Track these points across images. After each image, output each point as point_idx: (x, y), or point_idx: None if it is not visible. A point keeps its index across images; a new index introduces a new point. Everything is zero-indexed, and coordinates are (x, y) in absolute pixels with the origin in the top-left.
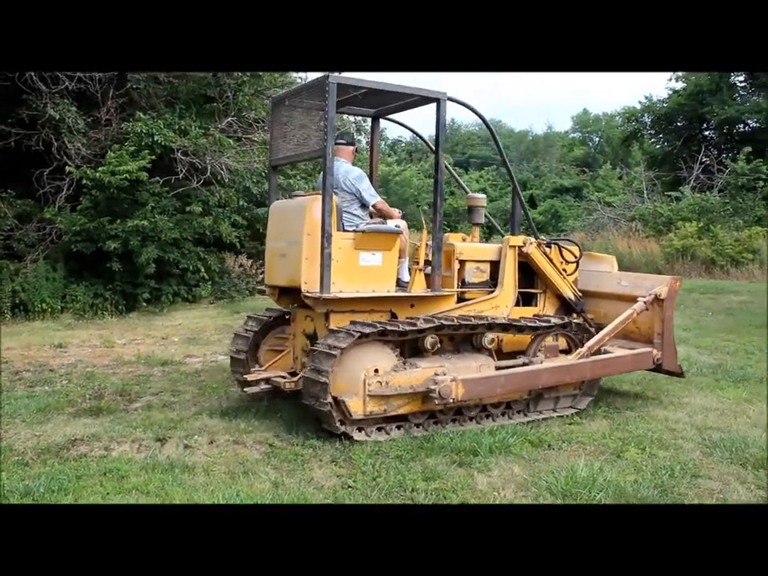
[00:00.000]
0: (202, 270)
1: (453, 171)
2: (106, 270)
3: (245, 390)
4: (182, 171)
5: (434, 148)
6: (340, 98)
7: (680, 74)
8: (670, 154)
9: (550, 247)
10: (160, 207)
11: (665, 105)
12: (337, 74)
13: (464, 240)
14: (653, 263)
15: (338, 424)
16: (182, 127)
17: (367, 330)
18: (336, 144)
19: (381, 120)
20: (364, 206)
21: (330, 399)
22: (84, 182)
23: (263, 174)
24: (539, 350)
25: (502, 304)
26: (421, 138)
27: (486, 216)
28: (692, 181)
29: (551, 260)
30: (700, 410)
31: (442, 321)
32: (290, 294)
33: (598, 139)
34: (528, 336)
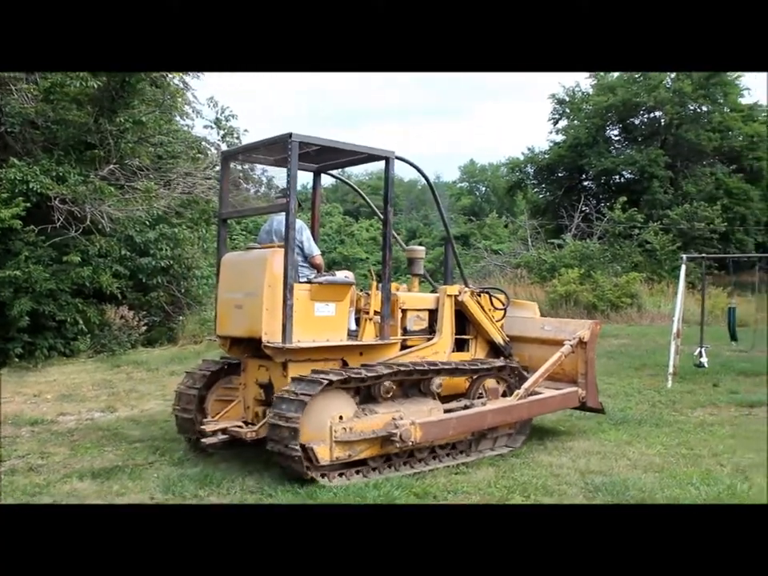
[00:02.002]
0: (81, 322)
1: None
2: None
3: (202, 441)
4: (59, 219)
5: (369, 203)
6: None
7: (559, 126)
8: (552, 203)
9: (480, 295)
10: (35, 257)
11: (546, 156)
12: (297, 132)
13: (397, 289)
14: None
15: (305, 470)
16: (60, 174)
17: (334, 378)
18: (278, 197)
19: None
20: (305, 257)
21: (299, 445)
22: None
23: (146, 222)
24: (479, 393)
25: (441, 350)
26: (361, 194)
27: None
28: (573, 228)
29: (482, 307)
30: (583, 453)
31: (399, 367)
32: (242, 344)
33: (484, 189)
34: (463, 379)
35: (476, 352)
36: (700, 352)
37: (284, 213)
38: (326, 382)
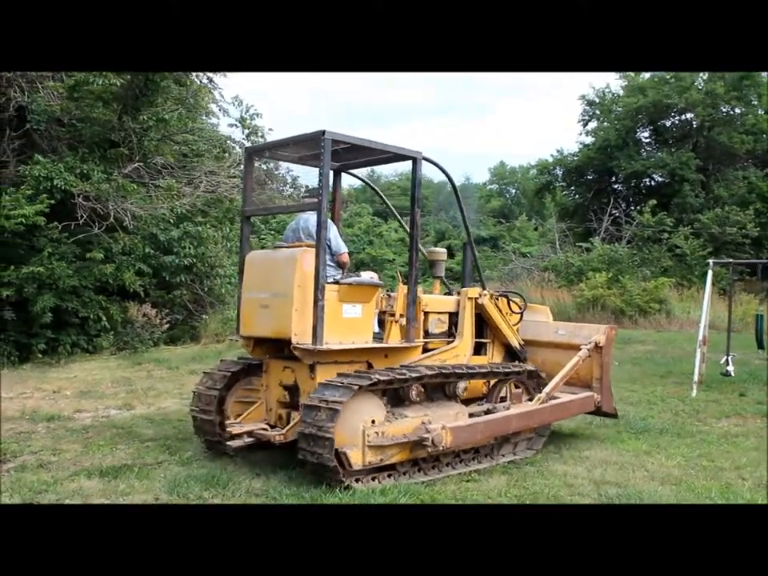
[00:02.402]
0: (104, 319)
1: (403, 224)
2: None
3: (228, 443)
4: (82, 217)
5: (387, 202)
6: (317, 152)
7: (589, 128)
8: (581, 205)
9: (498, 299)
10: (58, 254)
11: (575, 158)
12: (331, 130)
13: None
14: (565, 312)
15: (340, 476)
16: (84, 171)
17: (366, 383)
18: (305, 197)
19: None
20: (332, 255)
21: (333, 454)
22: None
23: (170, 221)
24: (502, 397)
25: (462, 353)
26: (379, 194)
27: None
28: (601, 232)
29: (500, 311)
30: (599, 463)
31: (427, 370)
32: (266, 344)
33: (514, 191)
34: (481, 383)
35: (493, 355)
36: (727, 360)
37: (312, 211)
38: (356, 387)
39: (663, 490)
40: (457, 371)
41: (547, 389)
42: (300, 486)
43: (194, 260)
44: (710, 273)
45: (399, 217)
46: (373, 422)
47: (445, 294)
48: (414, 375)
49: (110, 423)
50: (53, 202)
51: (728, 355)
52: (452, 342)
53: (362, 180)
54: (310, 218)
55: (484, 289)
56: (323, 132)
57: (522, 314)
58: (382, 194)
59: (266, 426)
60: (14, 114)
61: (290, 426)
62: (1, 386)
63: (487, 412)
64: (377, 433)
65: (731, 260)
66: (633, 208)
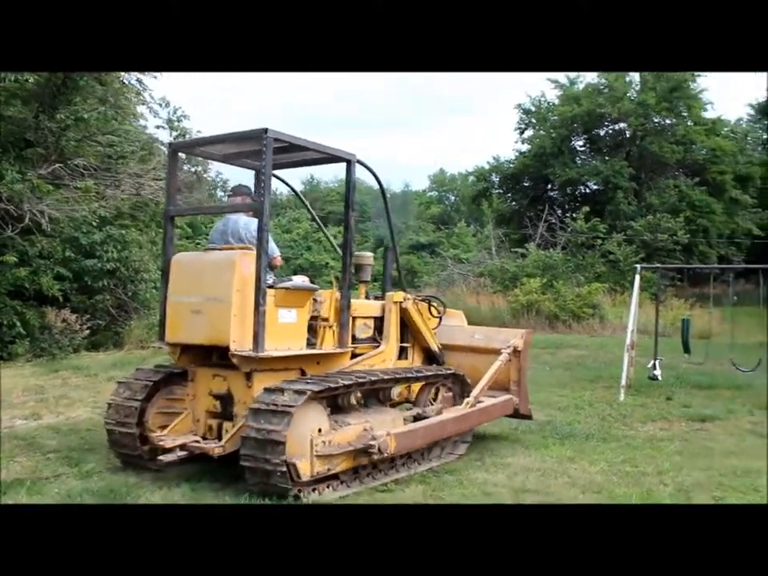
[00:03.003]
0: (18, 325)
1: (322, 227)
2: None
3: (160, 457)
4: None
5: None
6: (252, 149)
7: (525, 135)
8: (518, 212)
9: (419, 303)
10: None
11: (512, 165)
12: (272, 128)
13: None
14: (500, 317)
15: (290, 485)
16: None
17: (317, 388)
18: (229, 195)
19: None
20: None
21: (284, 460)
22: None
23: (93, 223)
24: (430, 402)
25: (388, 357)
26: (299, 197)
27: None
28: (537, 238)
29: (421, 315)
30: (521, 470)
31: (370, 376)
32: (192, 351)
33: (453, 198)
34: (402, 387)
35: (413, 359)
36: (654, 364)
37: (238, 213)
38: (308, 392)
39: (584, 498)
40: (399, 376)
41: (475, 392)
42: (204, 500)
43: (118, 264)
44: (637, 277)
45: (317, 218)
46: (320, 430)
47: (368, 299)
48: (358, 381)
49: (13, 434)
50: None
51: (656, 359)
52: (377, 346)
53: (282, 181)
54: (239, 219)
55: (403, 292)
56: (265, 130)
57: (440, 318)
58: (302, 196)
59: (199, 438)
60: None
61: (228, 436)
62: None
63: (416, 417)
64: (324, 442)
65: (658, 265)
66: (568, 215)
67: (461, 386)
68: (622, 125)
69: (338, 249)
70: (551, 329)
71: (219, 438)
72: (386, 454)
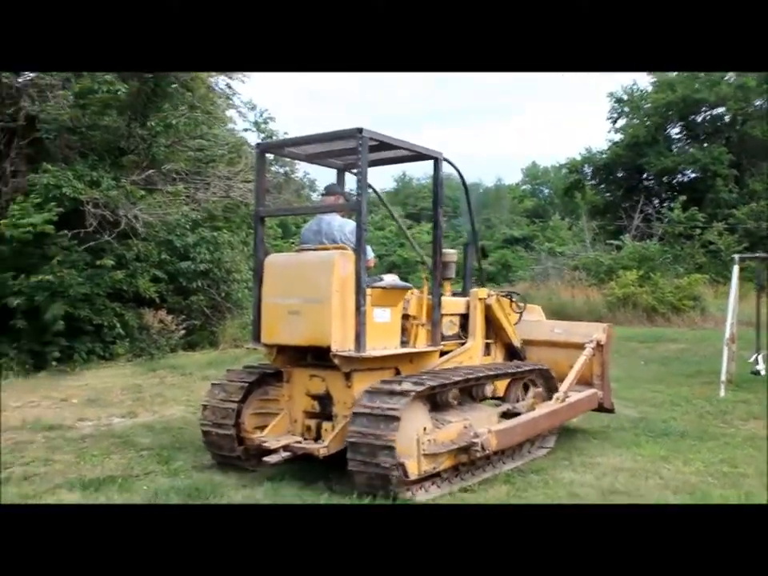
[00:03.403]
0: (118, 326)
1: (403, 227)
2: (11, 327)
3: (265, 459)
4: (92, 224)
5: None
6: (339, 148)
7: (618, 125)
8: (612, 203)
9: (501, 300)
10: (69, 261)
11: (604, 156)
12: (367, 128)
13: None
14: (595, 311)
15: (400, 487)
16: (94, 179)
17: (420, 388)
18: (322, 195)
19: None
20: None
21: (394, 464)
22: None
23: (186, 226)
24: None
25: (474, 354)
26: (380, 197)
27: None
28: (632, 229)
29: (504, 311)
30: (611, 470)
31: (474, 373)
32: (287, 352)
33: (547, 191)
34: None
35: (495, 355)
36: (756, 358)
37: (333, 213)
38: (413, 393)
39: (675, 500)
40: (498, 372)
41: (564, 387)
42: (283, 498)
43: (211, 265)
44: (735, 268)
45: (396, 217)
46: (425, 429)
47: (453, 296)
48: (466, 377)
49: (110, 432)
50: (62, 210)
51: (758, 353)
52: (463, 343)
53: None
54: (333, 220)
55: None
56: (360, 129)
57: (521, 314)
58: (380, 193)
59: (300, 439)
60: (23, 124)
61: (332, 436)
62: (7, 395)
63: (506, 413)
64: (429, 441)
65: (759, 254)
66: (665, 205)
67: (547, 382)
68: (720, 110)
69: (417, 248)
70: (649, 322)
71: (317, 438)
72: (488, 452)
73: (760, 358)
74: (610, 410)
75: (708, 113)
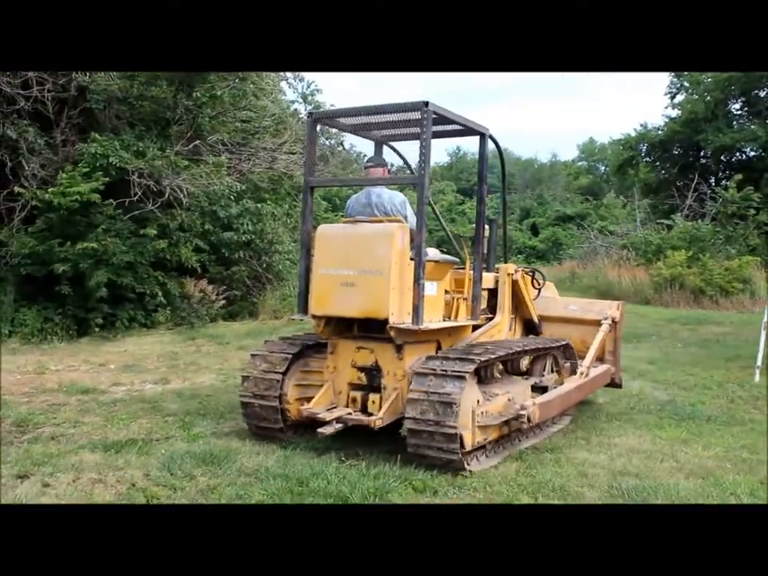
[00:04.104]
0: (160, 294)
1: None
2: (57, 293)
3: (319, 430)
4: (136, 194)
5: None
6: (388, 120)
7: (676, 100)
8: (666, 181)
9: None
10: (114, 230)
11: (660, 132)
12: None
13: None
14: (641, 292)
15: (461, 455)
16: (140, 149)
17: (472, 367)
18: (367, 168)
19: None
20: None
21: (456, 424)
22: (34, 203)
23: (231, 197)
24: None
25: (502, 329)
26: (401, 156)
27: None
28: (685, 209)
29: (526, 286)
30: (626, 452)
31: (512, 348)
32: (333, 323)
33: (603, 168)
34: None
35: (515, 330)
36: None
37: (380, 186)
38: (477, 360)
39: (686, 483)
40: (535, 347)
41: (587, 362)
42: (293, 466)
43: (253, 236)
44: None
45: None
46: (478, 401)
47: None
48: (501, 354)
49: (140, 397)
50: (108, 179)
51: None
52: (491, 318)
53: (398, 153)
54: (382, 192)
55: (505, 262)
56: (426, 103)
57: (539, 290)
58: (404, 156)
59: (351, 411)
60: (74, 94)
61: (385, 408)
62: (49, 359)
63: (534, 386)
64: (482, 413)
65: None
66: (720, 184)
67: (569, 357)
68: None
69: (446, 226)
70: (696, 304)
71: (363, 410)
72: (532, 423)
73: None
74: (619, 386)
75: None
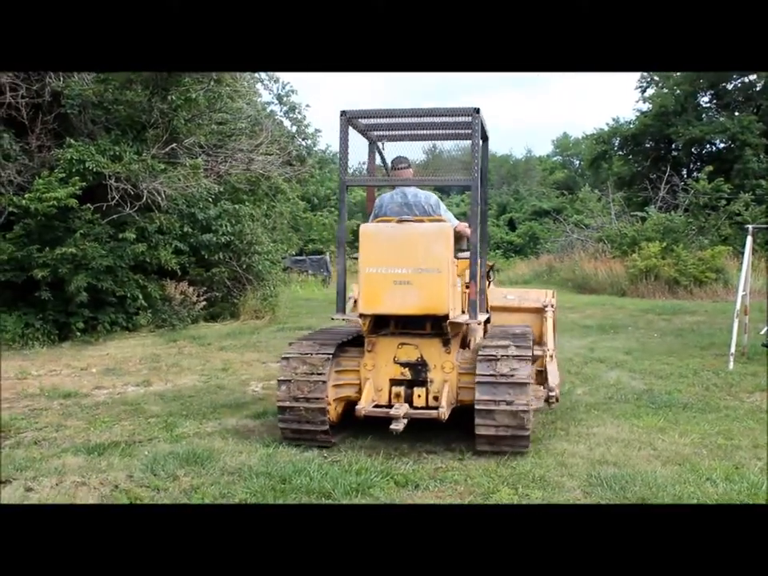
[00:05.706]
0: (140, 297)
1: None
2: (38, 299)
3: (392, 427)
4: (113, 198)
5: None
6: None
7: (646, 94)
8: (639, 174)
9: None
10: (92, 234)
11: (632, 126)
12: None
13: None
14: (617, 284)
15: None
16: (117, 153)
17: (530, 351)
18: (398, 169)
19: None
20: None
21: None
22: (11, 209)
23: (209, 199)
24: None
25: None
26: (382, 155)
27: None
28: (658, 201)
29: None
30: (604, 441)
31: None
32: (378, 321)
33: (578, 162)
34: None
35: None
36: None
37: (412, 186)
38: (530, 345)
39: (663, 471)
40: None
41: (551, 346)
42: (276, 464)
43: (232, 237)
44: (749, 239)
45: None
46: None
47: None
48: (531, 338)
49: (122, 400)
50: (85, 184)
51: None
52: None
53: (380, 154)
54: (417, 192)
55: None
56: (477, 110)
57: (491, 282)
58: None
59: (415, 406)
60: (49, 100)
61: (444, 400)
62: (30, 364)
63: None
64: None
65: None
66: (692, 176)
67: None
68: (752, 77)
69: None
70: (671, 294)
71: (409, 404)
72: (558, 403)
73: None
74: None
75: (739, 80)
